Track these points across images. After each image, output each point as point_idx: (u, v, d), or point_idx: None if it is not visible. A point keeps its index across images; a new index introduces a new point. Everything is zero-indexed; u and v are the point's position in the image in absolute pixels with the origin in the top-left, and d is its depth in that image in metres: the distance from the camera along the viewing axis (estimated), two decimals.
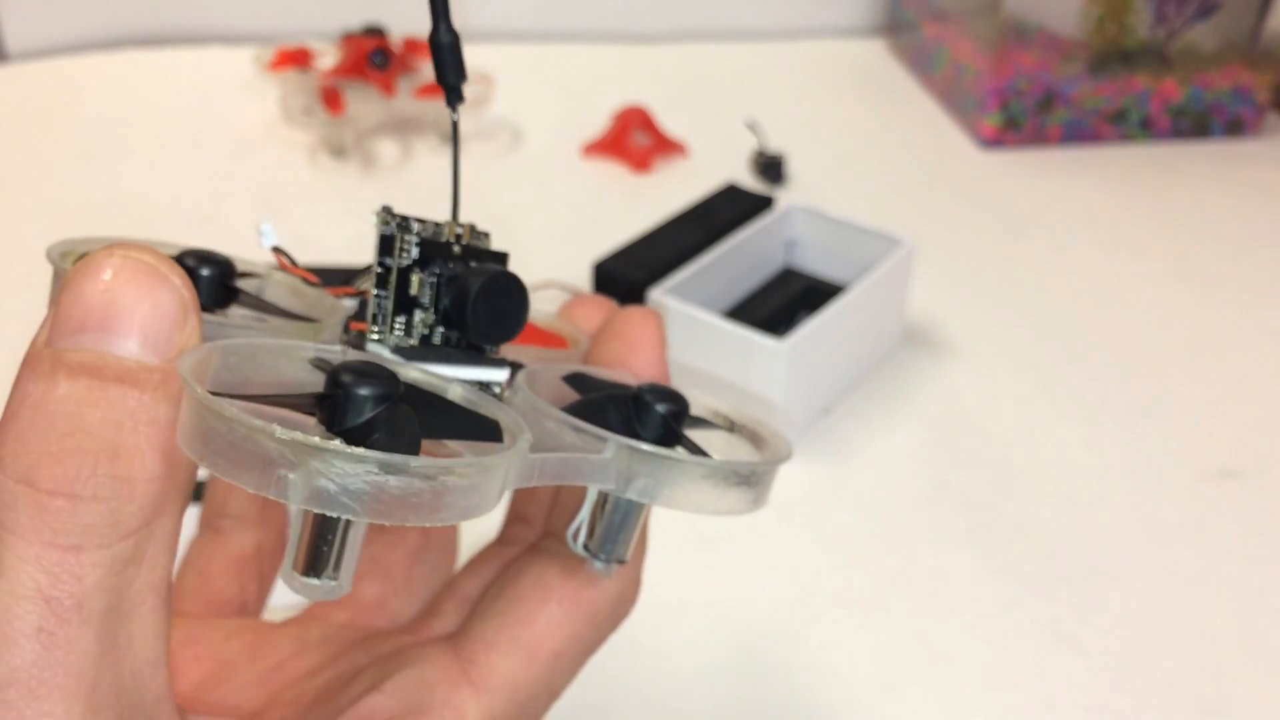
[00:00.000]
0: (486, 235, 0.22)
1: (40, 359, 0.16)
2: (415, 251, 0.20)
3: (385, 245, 0.20)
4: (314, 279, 0.22)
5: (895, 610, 0.40)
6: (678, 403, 0.21)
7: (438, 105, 0.70)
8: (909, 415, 0.50)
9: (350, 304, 0.22)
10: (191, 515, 0.26)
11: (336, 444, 0.15)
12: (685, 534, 0.43)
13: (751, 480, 0.21)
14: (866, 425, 0.49)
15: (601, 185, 0.68)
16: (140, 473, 0.16)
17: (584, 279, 0.53)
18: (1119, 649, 0.39)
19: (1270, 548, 0.43)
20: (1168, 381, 0.53)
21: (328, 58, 0.73)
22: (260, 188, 0.66)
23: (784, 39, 0.89)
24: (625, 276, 0.49)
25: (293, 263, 0.22)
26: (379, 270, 0.20)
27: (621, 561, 0.21)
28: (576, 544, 0.21)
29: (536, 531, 0.25)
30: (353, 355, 0.19)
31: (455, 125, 0.21)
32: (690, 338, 0.46)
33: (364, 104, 0.68)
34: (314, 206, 0.64)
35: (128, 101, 0.75)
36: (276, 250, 0.22)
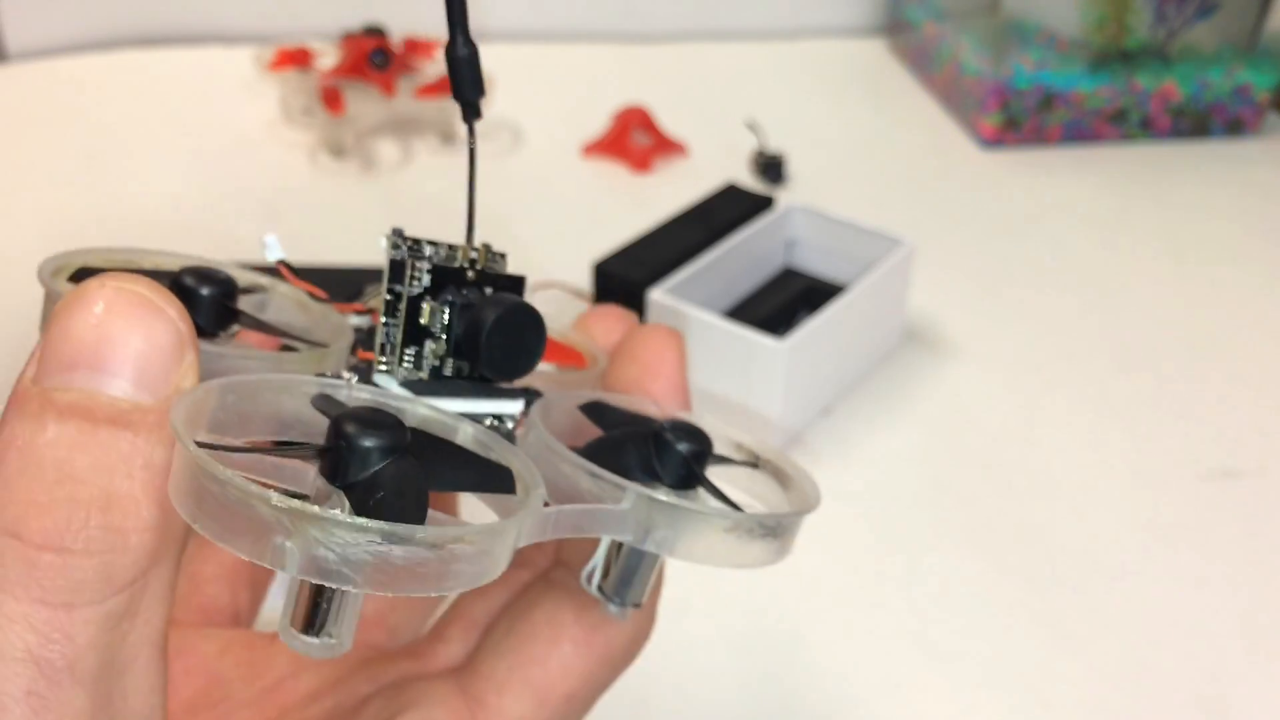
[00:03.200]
0: (503, 257, 0.21)
1: (28, 399, 0.15)
2: (427, 279, 0.19)
3: (395, 271, 0.19)
4: (320, 294, 0.21)
5: (895, 610, 0.40)
6: (700, 442, 0.20)
7: (438, 105, 0.70)
8: (909, 415, 0.50)
9: (357, 321, 0.21)
10: None
11: (336, 514, 0.14)
12: None
13: (777, 532, 0.19)
14: (866, 425, 0.49)
15: (601, 185, 0.68)
16: (134, 523, 0.15)
17: (584, 279, 0.53)
18: (1119, 649, 0.39)
19: (1270, 548, 0.43)
20: (1168, 381, 0.53)
21: (328, 58, 0.73)
22: (260, 188, 0.66)
23: (784, 39, 0.89)
24: (625, 276, 0.49)
25: (298, 276, 0.21)
26: (388, 298, 0.19)
27: (637, 605, 0.20)
28: (591, 586, 0.20)
29: (548, 556, 0.24)
30: (358, 392, 0.18)
31: (471, 142, 0.20)
32: (690, 338, 0.46)
33: (364, 104, 0.68)
34: (314, 206, 0.64)
35: (128, 101, 0.75)
36: (282, 264, 0.21)
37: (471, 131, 0.20)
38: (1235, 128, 0.76)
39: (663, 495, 0.18)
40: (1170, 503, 0.45)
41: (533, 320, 0.19)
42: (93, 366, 0.15)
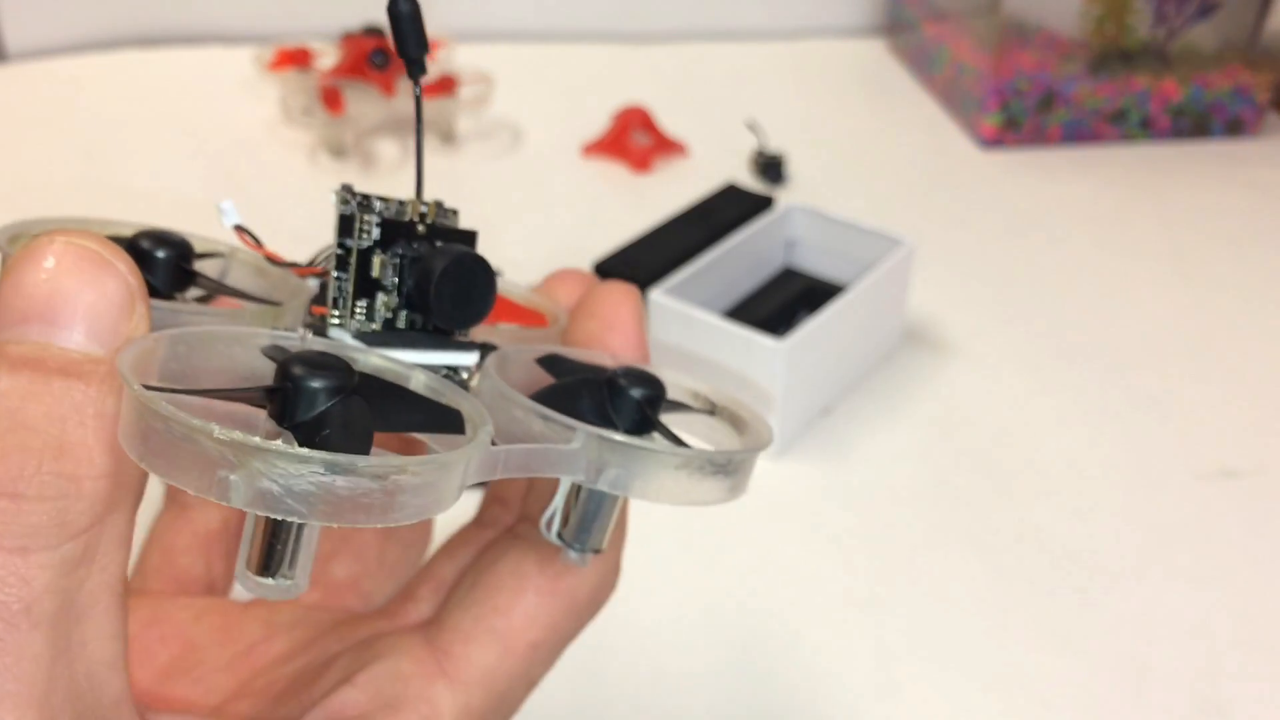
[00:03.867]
0: (454, 213, 0.21)
1: None
2: (376, 232, 0.19)
3: (345, 225, 0.19)
4: (278, 258, 0.21)
5: (895, 610, 0.40)
6: (654, 387, 0.20)
7: (438, 105, 0.70)
8: (909, 415, 0.50)
9: (315, 284, 0.22)
10: (157, 490, 0.25)
11: (278, 444, 0.14)
12: (684, 534, 0.43)
13: (729, 469, 0.19)
14: (866, 425, 0.49)
15: (601, 185, 0.68)
16: (87, 470, 0.15)
17: None
18: (1119, 649, 0.39)
19: (1270, 548, 0.43)
20: (1168, 381, 0.53)
21: (328, 58, 0.73)
22: (260, 188, 0.66)
23: (784, 39, 0.89)
24: (625, 276, 0.49)
25: (256, 241, 0.21)
26: (339, 252, 0.19)
27: (597, 551, 0.21)
28: (550, 533, 0.21)
29: (514, 514, 0.24)
30: (311, 343, 0.18)
31: (418, 99, 0.20)
32: (690, 338, 0.46)
33: (364, 104, 0.68)
34: (314, 207, 0.64)
35: (128, 101, 0.75)
36: (239, 229, 0.21)
37: (418, 87, 0.20)
38: (1235, 128, 0.76)
39: (611, 434, 0.19)
40: (1170, 503, 0.45)
41: (483, 269, 0.19)
42: (44, 319, 0.15)
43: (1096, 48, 0.72)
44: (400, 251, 0.20)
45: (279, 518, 0.15)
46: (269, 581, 0.16)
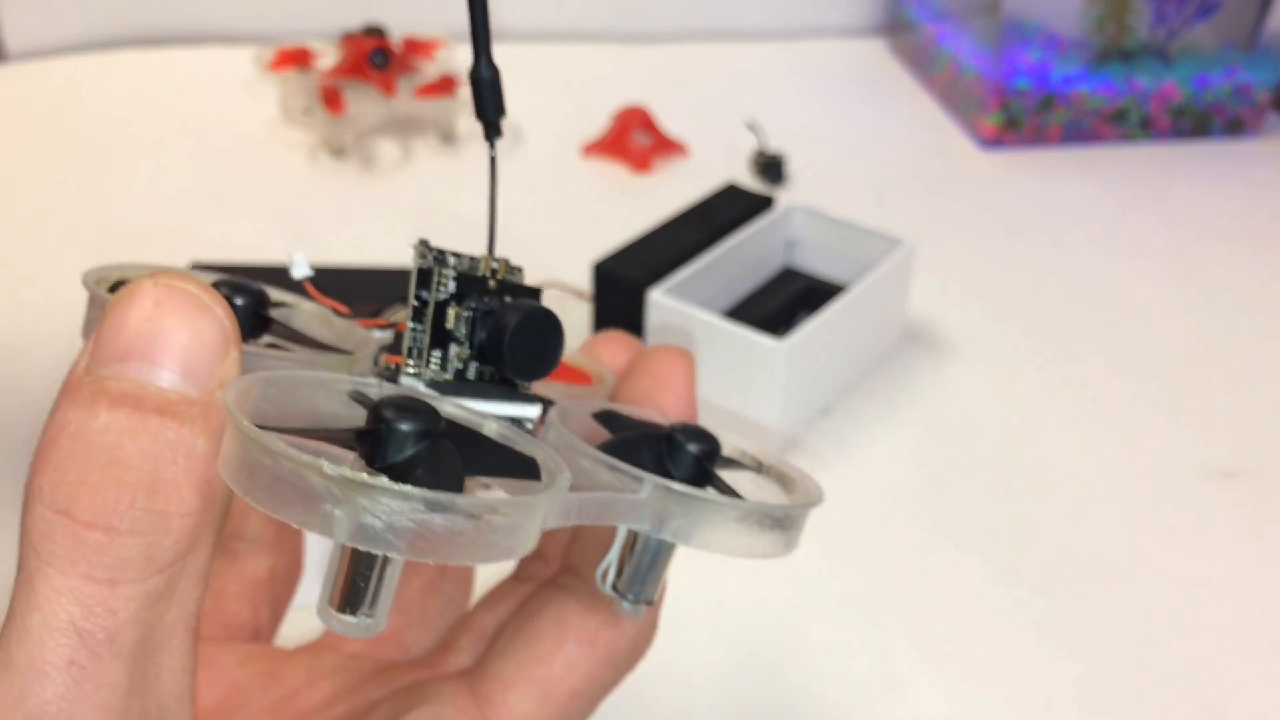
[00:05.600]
0: (520, 270, 0.22)
1: (80, 387, 0.16)
2: (452, 285, 0.20)
3: (422, 279, 0.20)
4: (343, 309, 0.22)
5: (895, 610, 0.40)
6: (710, 443, 0.21)
7: (438, 105, 0.70)
8: (909, 415, 0.50)
9: (380, 335, 0.22)
10: None
11: (383, 481, 0.15)
12: None
13: (785, 524, 0.20)
14: (866, 425, 0.49)
15: (601, 185, 0.68)
16: (177, 507, 0.16)
17: (584, 279, 0.53)
18: (1119, 649, 0.39)
19: (1270, 548, 0.43)
20: (1168, 381, 0.53)
21: (328, 58, 0.73)
22: (260, 188, 0.66)
23: (784, 39, 0.89)
24: (625, 276, 0.49)
25: (323, 294, 0.22)
26: (415, 304, 0.20)
27: (649, 603, 0.21)
28: (605, 585, 0.21)
29: (553, 568, 0.25)
30: (389, 389, 0.19)
31: (493, 161, 0.21)
32: (690, 338, 0.46)
33: (364, 104, 0.68)
34: (314, 206, 0.64)
35: (128, 101, 0.75)
36: (308, 281, 0.22)
37: (493, 149, 0.21)
38: (1235, 128, 0.76)
39: (678, 486, 0.19)
40: (1170, 503, 0.45)
41: (553, 324, 0.20)
42: (143, 358, 0.15)
43: (1096, 48, 0.72)
44: (473, 305, 0.20)
45: (376, 553, 0.16)
46: (351, 619, 0.16)
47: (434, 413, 0.16)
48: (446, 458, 0.16)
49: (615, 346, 0.26)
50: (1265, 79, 0.75)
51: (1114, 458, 0.48)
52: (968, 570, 0.42)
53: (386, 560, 0.16)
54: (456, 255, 0.20)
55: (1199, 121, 0.76)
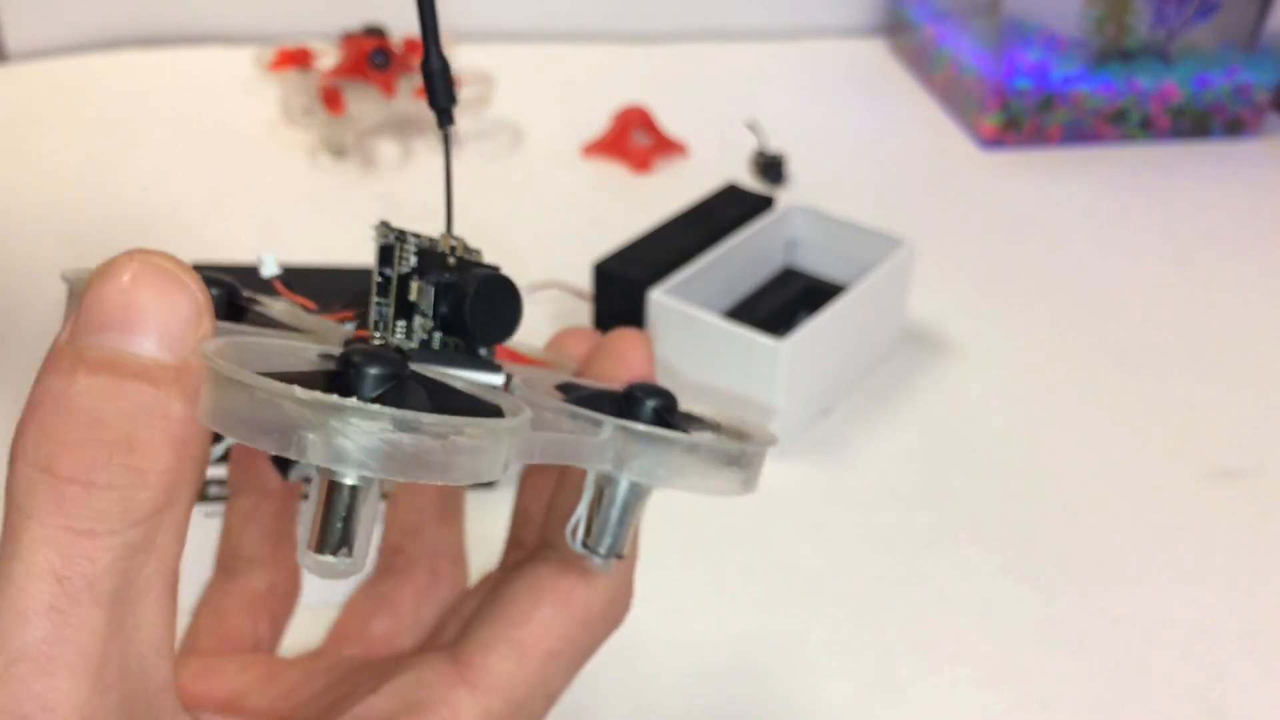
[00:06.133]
0: (478, 252, 0.23)
1: (61, 356, 0.17)
2: (414, 260, 0.21)
3: (385, 255, 0.21)
4: (312, 305, 0.23)
5: (895, 610, 0.40)
6: (667, 398, 0.22)
7: None
8: (909, 415, 0.50)
9: (350, 328, 0.23)
10: (207, 560, 0.27)
11: (353, 401, 0.16)
12: (685, 535, 0.43)
13: (741, 461, 0.21)
14: (866, 425, 0.49)
15: (601, 185, 0.68)
16: (153, 464, 0.16)
17: (584, 279, 0.53)
18: (1119, 649, 0.39)
19: (1270, 548, 0.43)
20: (1168, 381, 0.53)
21: (328, 58, 0.73)
22: (260, 188, 0.66)
23: (784, 39, 0.89)
24: (625, 276, 0.49)
25: (297, 280, 0.23)
26: (379, 280, 0.21)
27: (619, 556, 0.22)
28: (575, 541, 0.22)
29: (527, 551, 0.26)
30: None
31: (447, 143, 0.22)
32: (690, 338, 0.46)
33: (364, 104, 0.68)
34: (314, 206, 0.64)
35: (128, 101, 0.75)
36: (277, 280, 0.23)
37: (445, 135, 0.22)
38: (1235, 128, 0.76)
39: (637, 425, 0.20)
40: (1170, 503, 0.45)
41: (510, 289, 0.22)
42: (121, 328, 0.16)
43: (1096, 48, 0.72)
44: (434, 278, 0.21)
45: (350, 474, 0.16)
46: (330, 559, 0.17)
47: (401, 359, 0.17)
48: (414, 398, 0.17)
49: (577, 338, 0.27)
50: (1265, 79, 0.75)
51: (1114, 458, 0.48)
52: (968, 570, 0.42)
53: (358, 499, 0.17)
54: (416, 235, 0.21)
55: (1199, 121, 0.76)
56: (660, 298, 0.46)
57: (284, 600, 0.28)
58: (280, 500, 0.28)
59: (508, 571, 0.26)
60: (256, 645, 0.27)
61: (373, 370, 0.17)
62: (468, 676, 0.22)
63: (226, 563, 0.28)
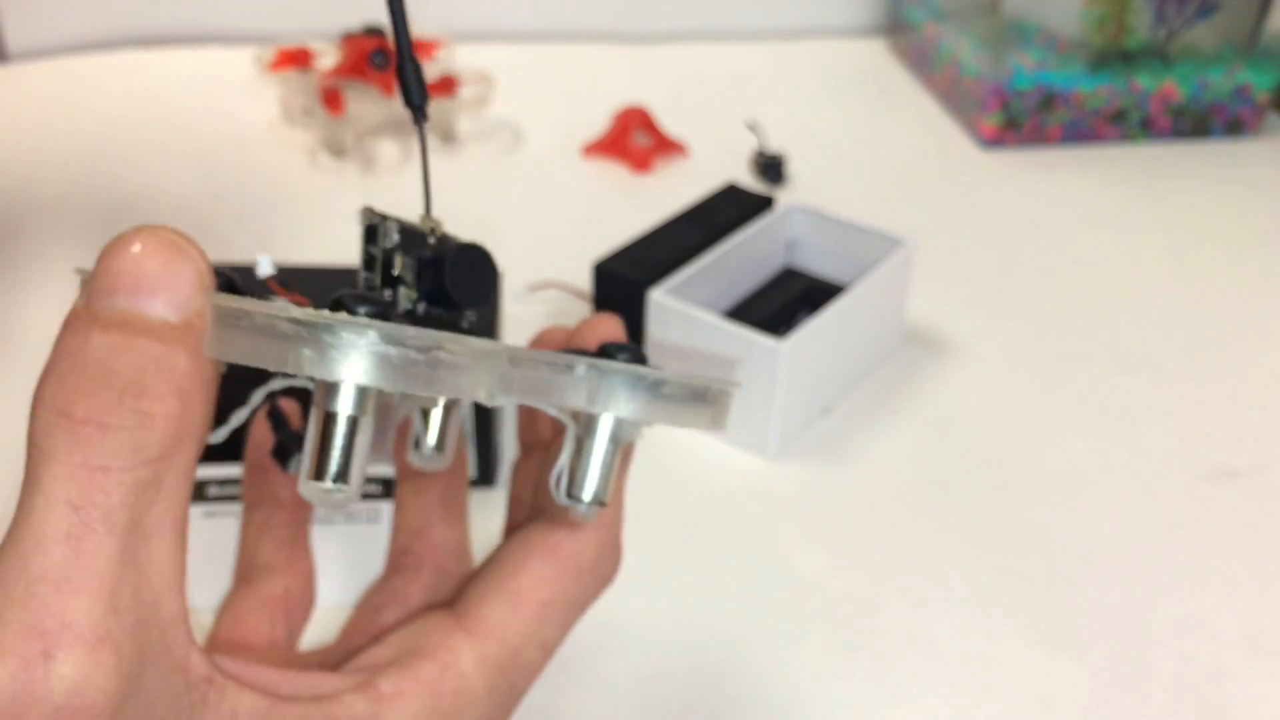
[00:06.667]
0: (455, 237, 0.25)
1: (78, 317, 0.18)
2: (396, 237, 0.23)
3: (370, 234, 0.23)
4: (305, 301, 0.24)
5: (895, 610, 0.40)
6: (637, 353, 0.23)
7: (438, 105, 0.70)
8: (909, 415, 0.50)
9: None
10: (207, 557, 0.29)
11: (342, 315, 0.17)
12: (686, 535, 0.43)
13: (707, 397, 0.23)
14: (866, 425, 0.49)
15: (601, 185, 0.68)
16: (160, 408, 0.18)
17: (584, 279, 0.53)
18: (1119, 649, 0.39)
19: (1270, 548, 0.43)
20: (1168, 381, 0.53)
21: (328, 58, 0.73)
22: (260, 188, 0.66)
23: (784, 39, 0.89)
24: (625, 276, 0.49)
25: (296, 277, 0.24)
26: (366, 256, 0.23)
27: (602, 504, 0.23)
28: (560, 492, 0.23)
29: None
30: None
31: (423, 140, 0.25)
32: (690, 338, 0.46)
33: (364, 104, 0.68)
34: (314, 206, 0.64)
35: (128, 101, 0.75)
36: (271, 279, 0.24)
37: (421, 131, 0.25)
38: (1235, 128, 0.76)
39: (609, 363, 0.22)
40: (1170, 503, 0.45)
41: (485, 258, 0.24)
42: (131, 292, 0.18)
43: (1096, 48, 0.72)
44: (416, 254, 0.23)
45: (342, 409, 0.18)
46: (327, 485, 0.19)
47: (388, 304, 0.19)
48: (399, 323, 0.19)
49: (557, 335, 0.28)
50: (1265, 79, 0.75)
51: (1114, 457, 0.48)
52: (968, 570, 0.42)
53: (353, 429, 0.19)
54: (399, 219, 0.23)
55: (1199, 122, 0.76)
56: (660, 298, 0.46)
57: (299, 604, 0.30)
58: (292, 512, 0.30)
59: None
60: (273, 645, 0.29)
61: (361, 309, 0.18)
62: (465, 624, 0.24)
63: (244, 572, 0.30)
